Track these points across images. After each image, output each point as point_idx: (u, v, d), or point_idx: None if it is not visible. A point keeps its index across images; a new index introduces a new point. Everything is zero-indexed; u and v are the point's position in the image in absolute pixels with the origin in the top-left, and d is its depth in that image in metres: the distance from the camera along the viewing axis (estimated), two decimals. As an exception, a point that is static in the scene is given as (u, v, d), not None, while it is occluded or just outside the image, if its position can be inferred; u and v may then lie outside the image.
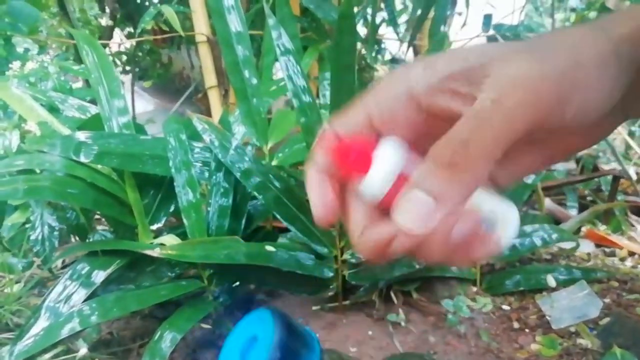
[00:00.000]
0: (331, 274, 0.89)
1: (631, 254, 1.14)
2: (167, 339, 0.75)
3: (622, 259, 1.12)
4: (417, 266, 0.92)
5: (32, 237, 0.92)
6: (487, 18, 1.46)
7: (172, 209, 0.93)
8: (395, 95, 0.22)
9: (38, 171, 0.84)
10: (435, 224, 0.20)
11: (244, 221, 0.93)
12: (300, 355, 0.20)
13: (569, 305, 0.88)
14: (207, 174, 0.91)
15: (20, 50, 1.44)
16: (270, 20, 0.83)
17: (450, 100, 0.20)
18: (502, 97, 0.18)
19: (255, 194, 0.86)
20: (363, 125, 0.22)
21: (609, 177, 1.47)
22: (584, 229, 1.27)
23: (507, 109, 0.18)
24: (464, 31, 1.64)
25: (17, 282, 0.92)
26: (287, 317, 0.21)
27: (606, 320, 0.86)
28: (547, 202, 1.35)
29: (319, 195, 0.23)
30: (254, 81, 0.95)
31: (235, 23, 0.94)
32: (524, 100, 0.18)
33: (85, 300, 0.76)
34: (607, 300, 0.92)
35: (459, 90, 0.20)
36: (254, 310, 0.21)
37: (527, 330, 0.89)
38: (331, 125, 0.23)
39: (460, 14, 1.69)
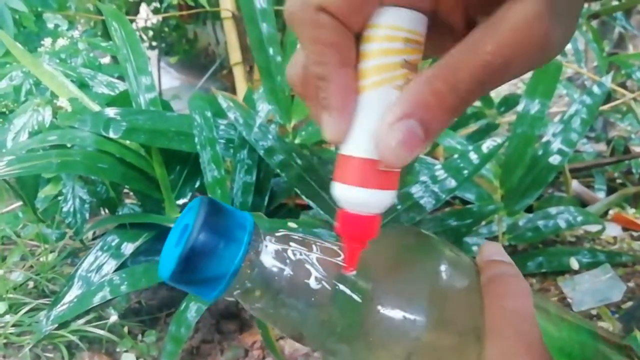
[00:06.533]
0: (352, 251, 0.90)
1: (659, 238, 1.11)
2: (192, 309, 0.78)
3: (650, 244, 1.09)
4: (438, 246, 0.92)
5: (65, 209, 0.96)
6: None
7: (197, 184, 0.95)
8: None
9: (69, 146, 0.87)
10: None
11: (267, 198, 0.94)
12: (227, 232, 0.20)
13: (592, 288, 0.88)
14: (231, 151, 0.92)
15: (50, 26, 1.47)
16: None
17: None
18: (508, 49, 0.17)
19: (278, 171, 0.87)
20: None
21: (641, 160, 1.43)
22: (611, 212, 1.24)
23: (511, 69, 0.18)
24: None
25: (51, 252, 0.96)
26: (216, 201, 0.20)
27: (629, 304, 0.85)
28: (575, 184, 1.32)
29: (342, 89, 0.19)
30: (278, 59, 0.95)
31: (260, 0, 0.94)
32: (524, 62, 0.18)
33: (115, 271, 0.79)
34: (631, 284, 0.91)
35: None
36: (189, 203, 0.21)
37: (547, 311, 0.89)
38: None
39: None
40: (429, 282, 0.22)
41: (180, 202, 0.94)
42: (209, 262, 0.19)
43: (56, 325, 0.75)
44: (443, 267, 0.23)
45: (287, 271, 0.21)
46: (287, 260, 0.21)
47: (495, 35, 0.17)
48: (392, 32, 0.18)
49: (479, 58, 0.17)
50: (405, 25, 0.18)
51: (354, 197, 0.19)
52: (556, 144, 0.98)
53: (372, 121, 0.19)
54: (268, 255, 0.21)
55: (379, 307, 0.22)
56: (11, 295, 0.85)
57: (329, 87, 0.19)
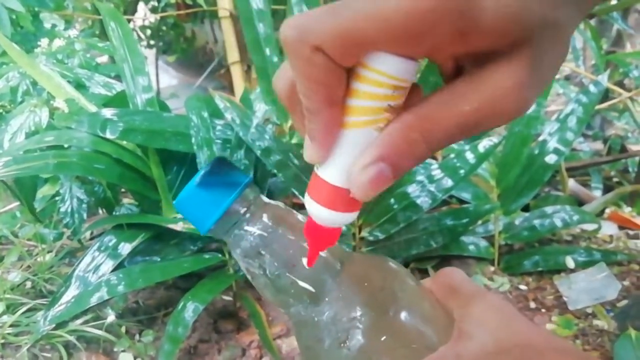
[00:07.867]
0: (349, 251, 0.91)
1: (655, 237, 1.12)
2: (189, 309, 0.78)
3: (646, 242, 1.10)
4: (435, 245, 0.93)
5: (62, 210, 0.96)
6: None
7: (194, 184, 0.95)
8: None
9: (66, 147, 0.87)
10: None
11: (264, 198, 0.94)
12: (231, 177, 0.26)
13: (587, 287, 0.88)
14: (228, 151, 0.92)
15: (47, 26, 1.47)
16: (291, -2, 0.83)
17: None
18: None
19: (275, 171, 0.87)
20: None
21: (637, 158, 1.43)
22: (608, 210, 1.25)
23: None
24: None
25: (49, 252, 0.97)
26: (226, 159, 0.27)
27: (624, 302, 0.85)
28: (571, 183, 1.32)
29: (327, 125, 0.20)
30: (275, 59, 0.95)
31: (256, 0, 0.94)
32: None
33: (112, 271, 0.79)
34: (626, 282, 0.92)
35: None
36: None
37: (543, 310, 0.90)
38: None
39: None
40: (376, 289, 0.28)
41: (178, 202, 0.94)
42: (215, 188, 0.25)
43: (54, 326, 0.75)
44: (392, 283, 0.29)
45: (271, 227, 0.27)
46: (273, 220, 0.27)
47: (475, 97, 0.18)
48: (382, 78, 0.19)
49: (455, 116, 0.19)
50: (396, 73, 0.19)
51: (323, 214, 0.23)
52: (552, 143, 0.98)
53: (350, 157, 0.21)
54: (260, 208, 0.27)
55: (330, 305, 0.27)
56: (8, 296, 0.85)
57: (314, 120, 0.20)
